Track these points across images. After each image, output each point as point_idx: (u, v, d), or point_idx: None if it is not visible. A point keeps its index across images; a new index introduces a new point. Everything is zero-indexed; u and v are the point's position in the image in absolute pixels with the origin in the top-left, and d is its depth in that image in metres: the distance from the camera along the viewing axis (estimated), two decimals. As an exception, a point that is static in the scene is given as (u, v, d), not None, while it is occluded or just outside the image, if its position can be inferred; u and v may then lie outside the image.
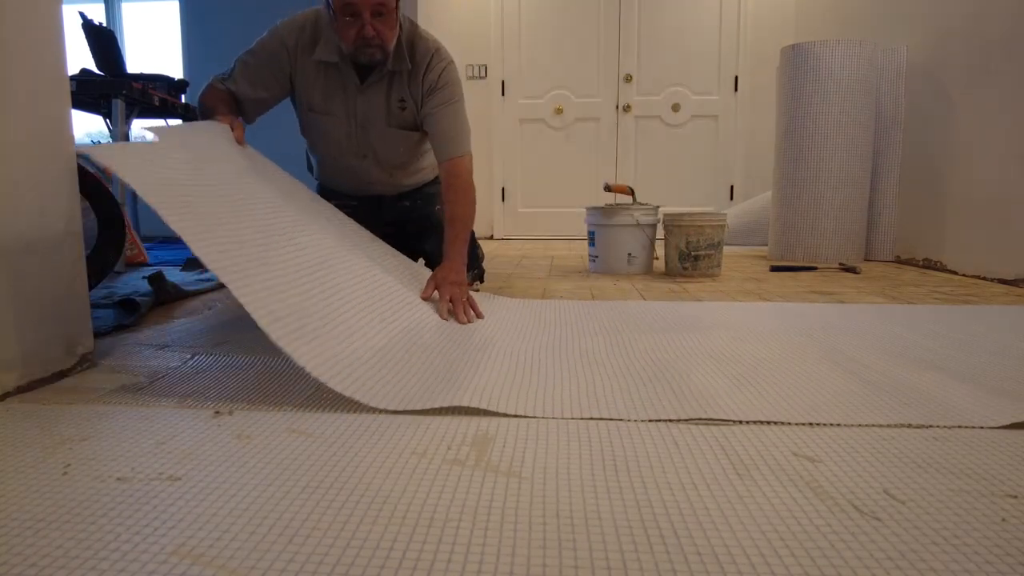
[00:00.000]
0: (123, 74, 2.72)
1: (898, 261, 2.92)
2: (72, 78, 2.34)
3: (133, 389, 1.02)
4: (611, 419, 0.87)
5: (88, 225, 1.30)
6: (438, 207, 1.80)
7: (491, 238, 4.55)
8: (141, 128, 2.97)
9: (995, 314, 1.62)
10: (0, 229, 0.98)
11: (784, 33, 4.11)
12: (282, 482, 0.68)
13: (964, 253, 2.47)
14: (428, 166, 1.87)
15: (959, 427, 0.84)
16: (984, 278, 2.32)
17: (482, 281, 2.10)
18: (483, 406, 0.90)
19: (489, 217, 4.52)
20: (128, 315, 1.55)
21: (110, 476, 0.70)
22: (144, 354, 1.25)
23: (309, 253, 1.20)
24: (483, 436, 0.82)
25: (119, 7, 4.56)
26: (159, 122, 3.06)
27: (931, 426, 0.85)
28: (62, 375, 1.08)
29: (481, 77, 4.42)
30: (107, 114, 2.61)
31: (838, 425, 0.85)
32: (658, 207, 2.54)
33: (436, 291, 1.46)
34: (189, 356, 1.23)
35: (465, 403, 0.90)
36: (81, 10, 2.68)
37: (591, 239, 2.57)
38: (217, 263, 0.98)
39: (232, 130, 1.43)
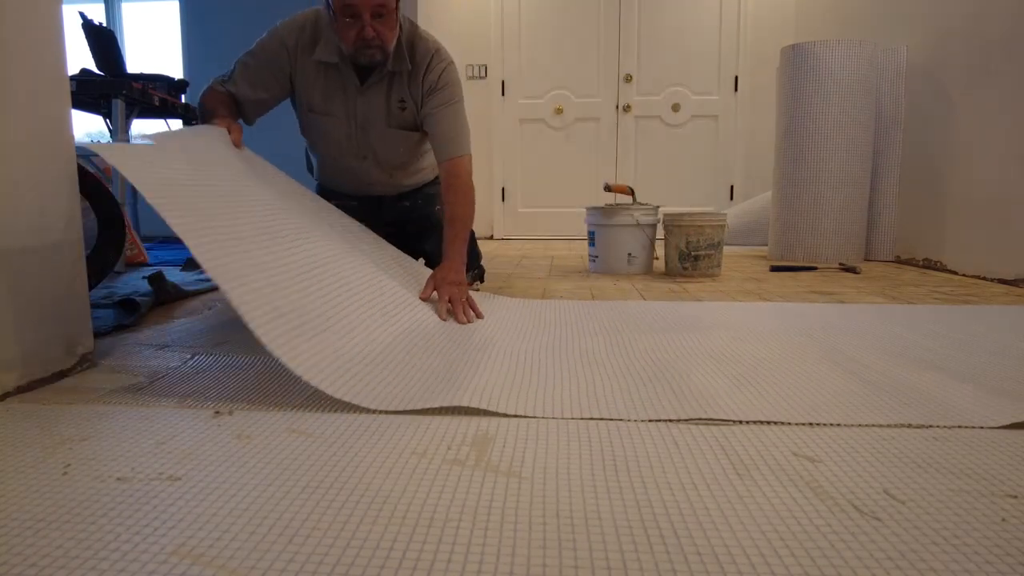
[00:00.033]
0: (123, 74, 2.72)
1: (898, 261, 2.92)
2: (72, 78, 2.34)
3: (133, 389, 1.02)
4: (611, 419, 0.87)
5: (88, 225, 1.30)
6: (438, 207, 1.80)
7: (491, 238, 4.55)
8: (140, 134, 2.97)
9: (995, 314, 1.62)
10: (0, 229, 0.98)
11: (784, 33, 4.11)
12: (282, 482, 0.68)
13: (964, 253, 2.47)
14: (428, 166, 1.87)
15: (959, 427, 0.84)
16: (984, 278, 2.32)
17: (482, 281, 2.10)
18: (483, 406, 0.90)
19: (489, 217, 4.52)
20: (128, 315, 1.55)
21: (110, 476, 0.70)
22: (144, 354, 1.25)
23: (306, 256, 1.20)
24: (483, 436, 0.82)
25: (119, 7, 4.56)
26: (159, 122, 3.06)
27: (931, 426, 0.85)
28: (62, 375, 1.08)
29: (481, 77, 4.42)
30: (107, 114, 2.61)
31: (838, 425, 0.85)
32: (658, 207, 2.54)
33: (435, 291, 1.47)
34: (189, 356, 1.23)
35: (465, 403, 0.90)
36: (81, 10, 2.68)
37: (591, 239, 2.57)
38: (213, 263, 0.97)
39: (229, 133, 1.43)
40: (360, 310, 1.20)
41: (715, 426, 0.85)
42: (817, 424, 0.85)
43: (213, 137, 1.39)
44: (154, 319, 1.59)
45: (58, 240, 1.08)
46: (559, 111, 4.41)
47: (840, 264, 2.76)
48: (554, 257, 3.22)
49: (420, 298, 1.43)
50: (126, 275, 2.35)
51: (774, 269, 2.66)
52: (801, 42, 2.91)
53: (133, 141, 2.70)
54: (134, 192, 2.82)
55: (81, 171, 1.14)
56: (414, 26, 1.64)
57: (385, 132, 1.69)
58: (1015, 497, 0.65)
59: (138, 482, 0.68)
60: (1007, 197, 2.24)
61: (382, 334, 1.18)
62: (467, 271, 1.69)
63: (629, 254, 2.48)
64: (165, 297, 1.79)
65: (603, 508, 0.63)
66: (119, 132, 2.51)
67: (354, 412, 0.90)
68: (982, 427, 0.84)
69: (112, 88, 2.49)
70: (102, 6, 4.51)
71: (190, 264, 2.35)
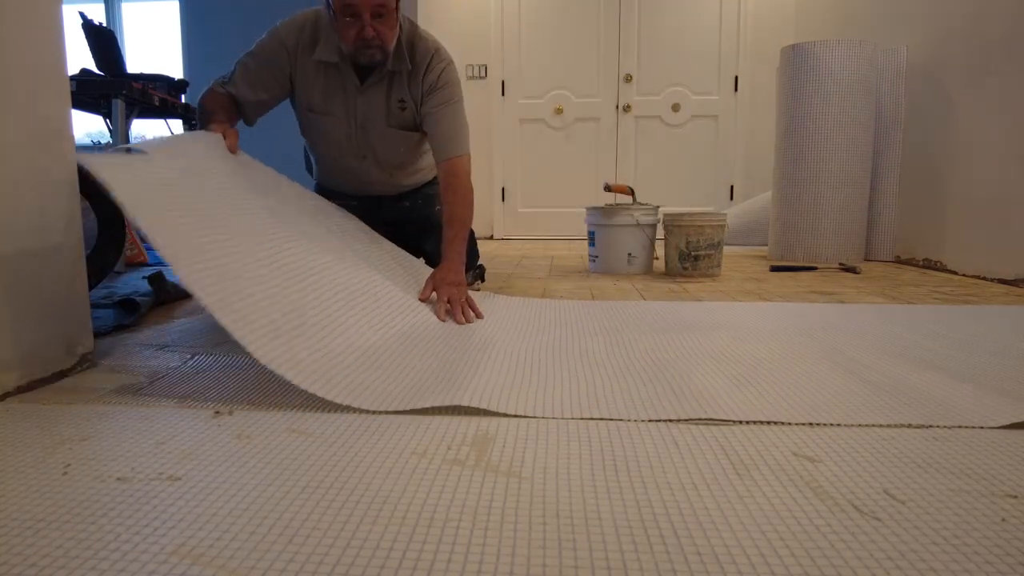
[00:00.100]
0: (123, 74, 2.72)
1: (898, 261, 2.92)
2: (72, 78, 2.34)
3: (133, 389, 1.02)
4: (611, 419, 0.87)
5: (88, 225, 1.30)
6: (438, 207, 1.80)
7: (491, 238, 4.55)
8: (135, 138, 2.96)
9: (995, 314, 1.62)
10: (0, 229, 0.98)
11: (784, 33, 4.11)
12: (282, 482, 0.68)
13: (964, 253, 2.47)
14: (427, 166, 1.87)
15: (959, 427, 0.84)
16: (984, 278, 2.32)
17: (483, 280, 2.10)
18: (483, 406, 0.90)
19: (489, 217, 4.52)
20: (128, 315, 1.55)
21: (110, 476, 0.70)
22: (144, 354, 1.25)
23: (300, 265, 1.20)
24: (483, 436, 0.82)
25: (119, 7, 4.56)
26: (159, 122, 3.06)
27: (931, 426, 0.85)
28: (62, 375, 1.08)
29: (481, 77, 4.42)
30: (107, 114, 2.61)
31: (838, 425, 0.85)
32: (658, 207, 2.54)
33: (435, 292, 1.47)
34: (189, 356, 1.23)
35: (465, 403, 0.90)
36: (81, 10, 2.68)
37: (591, 239, 2.57)
38: (198, 282, 0.96)
39: (225, 139, 1.42)
40: (359, 314, 1.20)
41: (715, 426, 0.85)
42: (817, 424, 0.85)
43: (208, 144, 1.38)
44: (154, 319, 1.59)
45: (58, 240, 1.08)
46: (559, 111, 4.41)
47: (840, 264, 2.76)
48: (554, 257, 3.22)
49: (419, 299, 1.43)
50: (126, 275, 2.35)
51: (774, 269, 2.66)
52: (801, 42, 2.91)
53: (135, 138, 2.70)
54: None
55: (81, 171, 1.14)
56: (414, 26, 1.64)
57: (385, 132, 1.69)
58: (1015, 497, 0.65)
59: (138, 482, 0.68)
60: (1007, 197, 2.24)
61: (381, 337, 1.18)
62: (467, 271, 1.69)
63: (629, 254, 2.48)
64: (165, 297, 1.79)
65: (603, 508, 0.63)
66: (119, 132, 2.51)
67: (354, 412, 0.90)
68: (982, 427, 0.84)
69: (112, 88, 2.49)
70: (102, 6, 4.51)
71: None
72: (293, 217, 1.37)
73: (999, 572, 0.52)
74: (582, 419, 0.88)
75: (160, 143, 1.31)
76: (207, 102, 1.56)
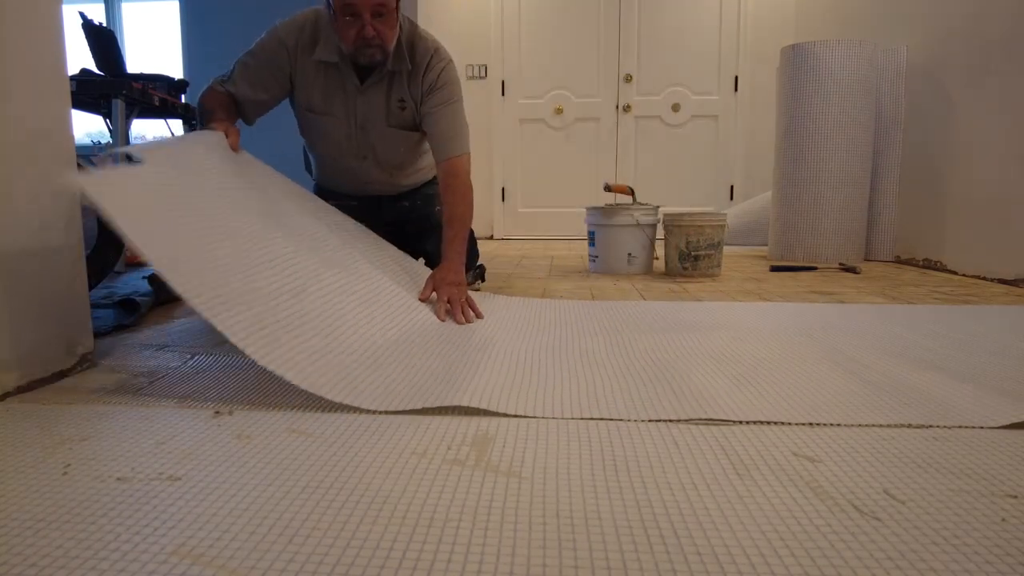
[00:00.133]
0: (123, 74, 2.72)
1: (898, 261, 2.92)
2: (72, 78, 2.34)
3: (133, 389, 1.02)
4: (611, 419, 0.87)
5: (88, 225, 1.30)
6: (438, 207, 1.80)
7: (491, 238, 4.55)
8: (135, 138, 2.96)
9: (995, 314, 1.62)
10: (0, 229, 0.98)
11: (784, 33, 4.11)
12: (282, 482, 0.68)
13: (964, 253, 2.47)
14: (427, 166, 1.87)
15: (959, 427, 0.84)
16: (984, 278, 2.32)
17: (483, 280, 2.10)
18: (483, 406, 0.90)
19: (489, 217, 4.52)
20: (128, 315, 1.55)
21: (110, 476, 0.70)
22: (144, 354, 1.25)
23: (300, 264, 1.19)
24: (483, 436, 0.82)
25: (119, 7, 4.56)
26: (159, 122, 3.06)
27: (931, 426, 0.85)
28: (62, 375, 1.08)
29: (481, 77, 4.42)
30: (107, 114, 2.61)
31: (838, 425, 0.85)
32: (658, 207, 2.54)
33: (435, 292, 1.46)
34: (189, 356, 1.23)
35: (465, 403, 0.90)
36: (81, 10, 2.68)
37: (591, 239, 2.57)
38: (193, 292, 0.95)
39: (227, 137, 1.41)
40: (359, 314, 1.20)
41: (715, 426, 0.85)
42: (817, 424, 0.85)
43: (210, 144, 1.38)
44: (154, 319, 1.59)
45: (58, 240, 1.08)
46: (559, 111, 4.41)
47: (840, 264, 2.76)
48: (554, 257, 3.22)
49: (419, 299, 1.43)
50: (126, 275, 2.35)
51: (774, 269, 2.66)
52: (801, 42, 2.91)
53: (135, 139, 2.70)
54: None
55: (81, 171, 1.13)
56: (414, 26, 1.64)
57: (385, 132, 1.69)
58: (1015, 497, 0.65)
59: (138, 482, 0.68)
60: (1007, 197, 2.24)
61: (382, 337, 1.18)
62: (467, 271, 1.69)
63: (629, 254, 2.48)
64: (165, 297, 1.79)
65: (603, 508, 0.63)
66: (119, 132, 2.51)
67: (354, 412, 0.90)
68: (982, 427, 0.84)
69: (112, 88, 2.49)
70: (102, 6, 4.51)
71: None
72: (294, 216, 1.37)
73: (999, 572, 0.52)
74: (582, 419, 0.88)
75: (160, 144, 1.31)
76: (207, 101, 1.56)
